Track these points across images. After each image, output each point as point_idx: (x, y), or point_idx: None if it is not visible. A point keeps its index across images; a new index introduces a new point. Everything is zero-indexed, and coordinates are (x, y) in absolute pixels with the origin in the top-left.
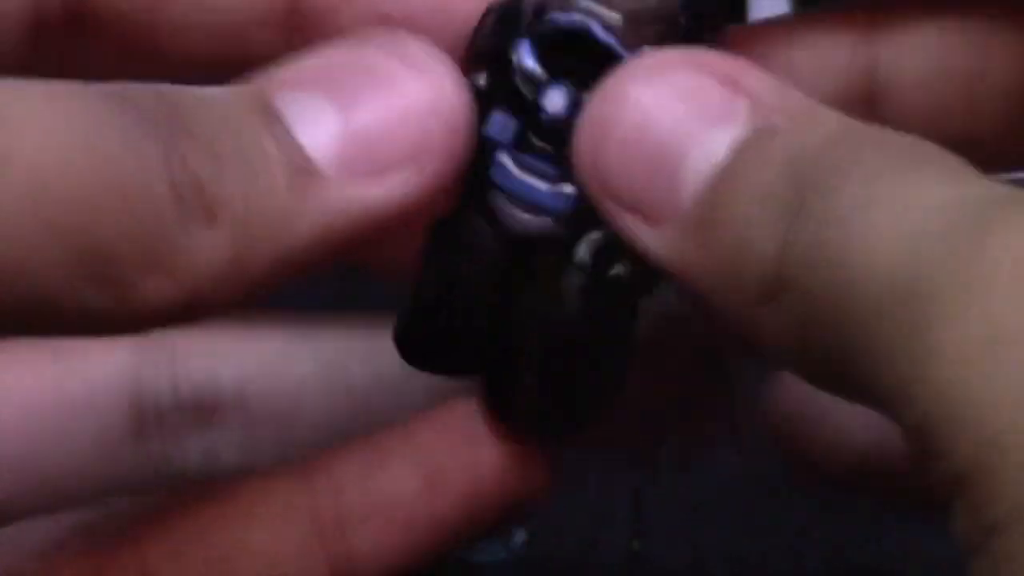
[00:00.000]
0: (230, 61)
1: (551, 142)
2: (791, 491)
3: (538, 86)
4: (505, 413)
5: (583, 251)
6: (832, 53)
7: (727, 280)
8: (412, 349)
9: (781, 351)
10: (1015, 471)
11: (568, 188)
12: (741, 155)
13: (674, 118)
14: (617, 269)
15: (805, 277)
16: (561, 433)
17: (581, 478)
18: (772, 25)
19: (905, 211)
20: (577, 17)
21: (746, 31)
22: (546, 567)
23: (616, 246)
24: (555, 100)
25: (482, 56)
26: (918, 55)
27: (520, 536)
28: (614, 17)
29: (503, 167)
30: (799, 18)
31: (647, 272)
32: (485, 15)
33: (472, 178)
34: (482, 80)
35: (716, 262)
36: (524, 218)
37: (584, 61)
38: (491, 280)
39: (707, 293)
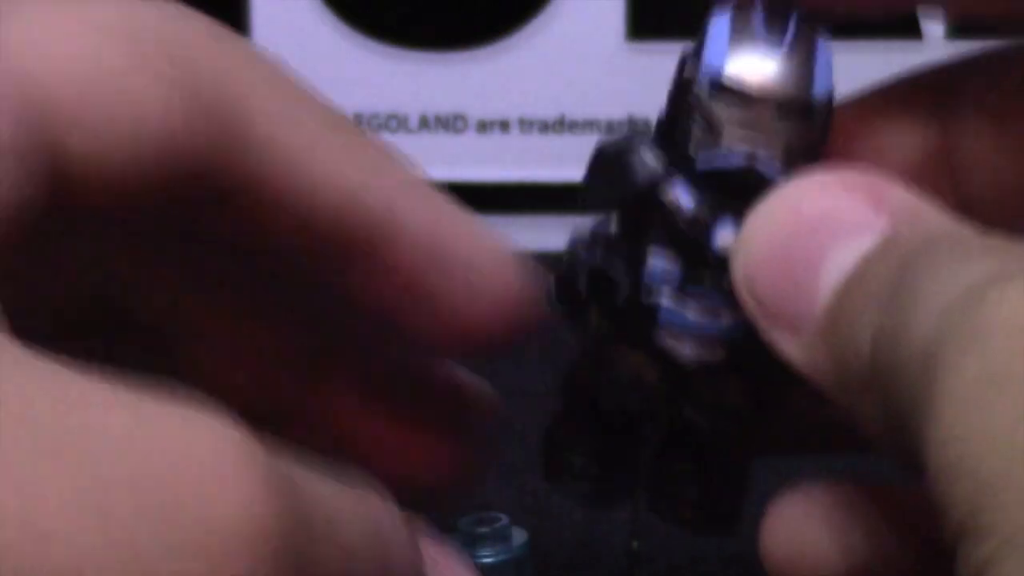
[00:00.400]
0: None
1: (717, 274)
2: (790, 491)
3: (706, 225)
4: (672, 520)
5: (747, 369)
6: (909, 125)
7: (841, 378)
8: (567, 486)
9: (877, 439)
10: (1003, 509)
11: (735, 314)
12: (866, 263)
13: (817, 234)
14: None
15: (886, 364)
16: (722, 530)
17: None
18: (855, 103)
19: (944, 291)
20: (738, 156)
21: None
22: (546, 567)
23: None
24: (725, 235)
25: (609, 202)
26: (985, 121)
27: (520, 536)
28: (767, 151)
29: (669, 306)
30: (876, 93)
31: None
32: (595, 160)
33: (626, 315)
34: (613, 227)
35: (835, 364)
36: (695, 351)
37: (723, 190)
38: (653, 410)
39: (832, 395)
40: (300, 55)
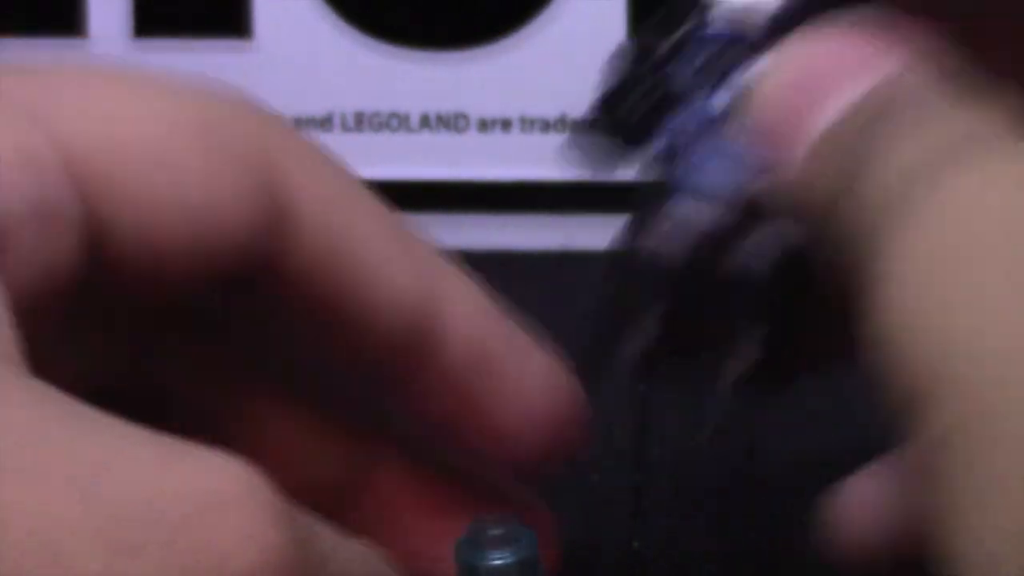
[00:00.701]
0: None
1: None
2: (792, 490)
3: (709, 88)
4: (729, 380)
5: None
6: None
7: (816, 225)
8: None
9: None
10: (963, 382)
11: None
12: (857, 106)
13: (824, 72)
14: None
15: (850, 218)
16: (779, 386)
17: (581, 478)
18: None
19: (906, 150)
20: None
21: None
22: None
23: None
24: (723, 97)
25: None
26: None
27: (530, 536)
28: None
29: (688, 169)
30: None
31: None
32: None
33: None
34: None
35: (811, 206)
36: (705, 210)
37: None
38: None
39: (810, 239)
40: (301, 54)
